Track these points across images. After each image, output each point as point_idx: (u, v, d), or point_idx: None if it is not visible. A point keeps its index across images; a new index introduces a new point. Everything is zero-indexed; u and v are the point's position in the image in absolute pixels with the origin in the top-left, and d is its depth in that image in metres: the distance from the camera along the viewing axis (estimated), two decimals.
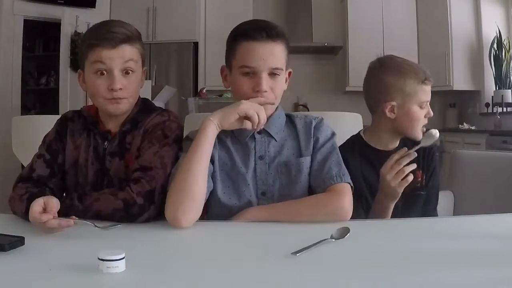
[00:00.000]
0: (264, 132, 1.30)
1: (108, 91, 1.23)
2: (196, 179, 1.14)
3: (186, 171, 1.14)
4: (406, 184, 1.29)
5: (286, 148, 1.30)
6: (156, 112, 1.34)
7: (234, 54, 1.26)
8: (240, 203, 1.26)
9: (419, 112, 1.43)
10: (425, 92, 1.44)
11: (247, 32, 1.23)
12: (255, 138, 1.30)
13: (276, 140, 1.30)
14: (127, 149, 1.28)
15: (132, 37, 1.26)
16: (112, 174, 1.27)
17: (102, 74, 1.23)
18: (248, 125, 1.19)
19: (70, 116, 1.37)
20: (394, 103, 1.43)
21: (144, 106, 1.35)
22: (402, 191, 1.30)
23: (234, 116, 1.18)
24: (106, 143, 1.29)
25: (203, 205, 1.17)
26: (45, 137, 1.35)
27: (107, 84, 1.23)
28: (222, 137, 1.29)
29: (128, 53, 1.24)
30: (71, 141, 1.32)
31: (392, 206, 1.35)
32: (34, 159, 1.31)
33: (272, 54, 1.23)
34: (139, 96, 1.36)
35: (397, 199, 1.33)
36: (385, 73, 1.45)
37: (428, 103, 1.45)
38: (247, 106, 1.18)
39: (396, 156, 1.29)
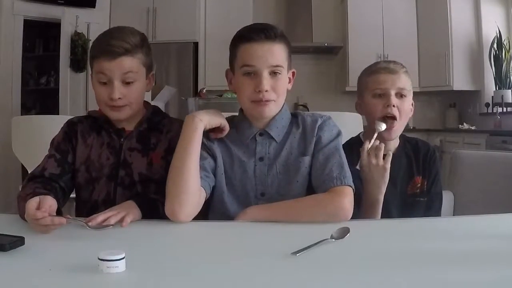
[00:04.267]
0: (265, 133, 1.31)
1: (109, 99, 1.30)
2: (188, 174, 1.19)
3: (178, 168, 1.20)
4: (390, 158, 1.32)
5: (286, 148, 1.30)
6: (168, 117, 1.46)
7: (236, 57, 1.29)
8: (238, 203, 1.27)
9: (373, 101, 1.44)
10: (376, 81, 1.44)
11: (246, 35, 1.27)
12: (256, 140, 1.31)
13: (276, 142, 1.31)
14: (151, 148, 1.37)
15: (132, 49, 1.29)
16: (133, 167, 1.35)
17: (104, 83, 1.30)
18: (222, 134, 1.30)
19: (76, 120, 1.43)
20: (358, 100, 1.52)
21: (156, 108, 1.46)
22: (389, 166, 1.32)
23: (217, 123, 1.27)
24: (122, 140, 1.37)
25: (199, 198, 1.20)
26: (52, 140, 1.41)
27: (108, 93, 1.30)
28: (228, 136, 1.31)
29: (127, 65, 1.29)
30: (82, 140, 1.38)
31: (381, 198, 1.34)
32: (45, 159, 1.36)
33: (271, 52, 1.25)
34: (150, 104, 1.46)
35: (386, 183, 1.33)
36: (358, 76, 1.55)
37: (390, 92, 1.41)
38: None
39: (365, 145, 1.34)
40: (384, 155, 1.33)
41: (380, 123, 1.40)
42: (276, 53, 1.26)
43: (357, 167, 1.35)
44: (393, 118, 1.41)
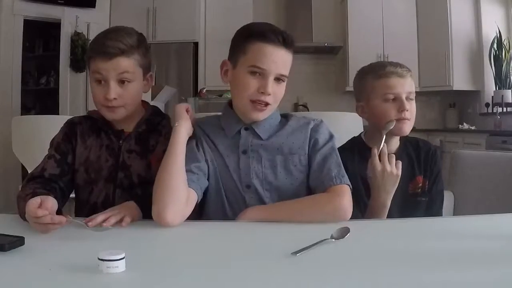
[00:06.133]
0: (250, 128, 1.32)
1: (104, 99, 1.30)
2: (172, 175, 1.18)
3: (163, 170, 1.19)
4: (400, 165, 1.33)
5: (274, 145, 1.30)
6: (167, 118, 1.45)
7: (245, 52, 1.25)
8: (228, 197, 1.29)
9: (384, 105, 1.42)
10: (387, 86, 1.42)
11: (264, 33, 1.24)
12: (240, 134, 1.32)
13: (262, 138, 1.31)
14: (150, 150, 1.36)
15: (128, 50, 1.29)
16: (132, 170, 1.34)
17: (100, 83, 1.30)
18: None
19: (76, 120, 1.43)
20: (361, 103, 1.50)
21: (156, 109, 1.46)
22: (400, 172, 1.33)
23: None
24: (120, 142, 1.36)
25: (186, 200, 1.18)
26: (52, 140, 1.40)
27: (104, 93, 1.30)
28: (209, 133, 1.33)
29: (123, 65, 1.29)
30: (81, 141, 1.38)
31: (389, 203, 1.35)
32: (45, 160, 1.36)
33: (284, 61, 1.26)
34: (150, 105, 1.46)
35: (396, 186, 1.33)
36: (355, 78, 1.54)
37: (402, 96, 1.41)
38: None
39: (375, 151, 1.34)
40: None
41: (391, 123, 1.40)
42: (287, 62, 1.27)
43: (368, 173, 1.35)
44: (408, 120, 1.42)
